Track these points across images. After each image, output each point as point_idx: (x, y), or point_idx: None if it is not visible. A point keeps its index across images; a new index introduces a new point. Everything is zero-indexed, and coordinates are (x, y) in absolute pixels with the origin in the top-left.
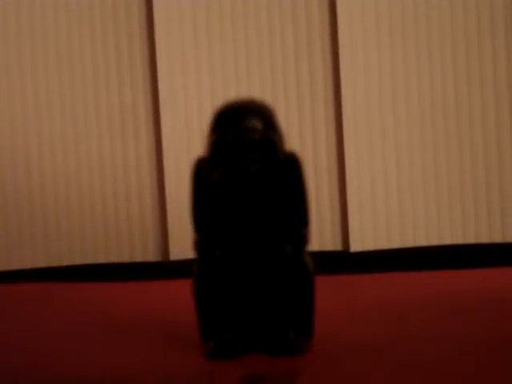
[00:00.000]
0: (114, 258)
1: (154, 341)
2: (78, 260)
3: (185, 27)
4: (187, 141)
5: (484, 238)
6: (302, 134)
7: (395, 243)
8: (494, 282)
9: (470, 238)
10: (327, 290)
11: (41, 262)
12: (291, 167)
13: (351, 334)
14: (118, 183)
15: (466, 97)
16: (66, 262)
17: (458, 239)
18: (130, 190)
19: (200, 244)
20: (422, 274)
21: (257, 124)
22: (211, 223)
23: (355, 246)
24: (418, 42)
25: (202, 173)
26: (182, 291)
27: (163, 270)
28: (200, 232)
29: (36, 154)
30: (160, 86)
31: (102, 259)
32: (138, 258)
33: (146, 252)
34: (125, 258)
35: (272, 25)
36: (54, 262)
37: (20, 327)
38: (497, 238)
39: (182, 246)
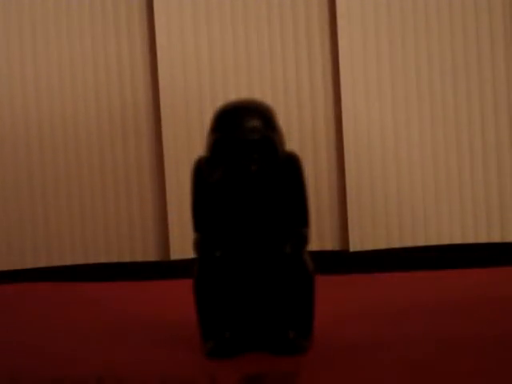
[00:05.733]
0: (115, 257)
1: (154, 341)
2: (79, 260)
3: (185, 26)
4: (187, 141)
5: (483, 238)
6: (301, 134)
7: (394, 243)
8: (494, 281)
9: (469, 238)
10: (327, 289)
11: (41, 262)
12: (291, 167)
13: (351, 334)
14: (119, 183)
15: (464, 97)
16: (66, 262)
17: (457, 239)
18: (130, 189)
19: (200, 244)
20: (422, 273)
21: (257, 124)
22: (211, 223)
23: (354, 246)
24: (417, 42)
25: (202, 173)
26: (182, 291)
27: (163, 269)
28: (200, 232)
29: (37, 152)
30: (161, 86)
31: (102, 259)
32: (139, 257)
33: (147, 252)
34: (125, 257)
35: (272, 25)
36: (55, 262)
37: (20, 327)
38: (496, 238)
39: (182, 245)
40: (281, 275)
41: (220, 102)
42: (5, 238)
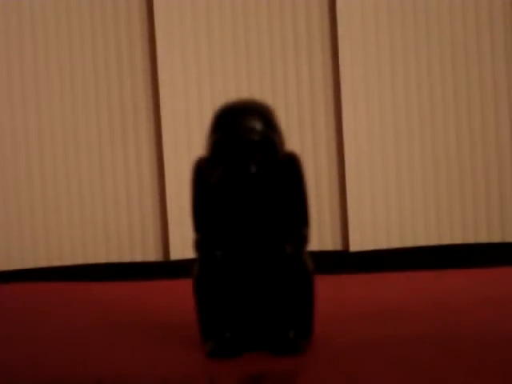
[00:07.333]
0: (115, 257)
1: (154, 341)
2: (79, 260)
3: (185, 28)
4: (187, 141)
5: (483, 238)
6: (301, 133)
7: (394, 243)
8: (494, 281)
9: (470, 238)
10: (327, 289)
11: (41, 262)
12: (291, 167)
13: (351, 334)
14: (119, 183)
15: (464, 96)
16: (66, 262)
17: (457, 239)
18: (130, 189)
19: (200, 244)
20: (422, 273)
21: (257, 124)
22: (211, 223)
23: (354, 246)
24: (417, 42)
25: (203, 173)
26: (182, 291)
27: (163, 269)
28: (200, 232)
29: (37, 152)
30: (160, 87)
31: (102, 259)
32: (138, 257)
33: (146, 252)
34: (125, 257)
35: (272, 25)
36: (55, 262)
37: (20, 327)
38: (496, 238)
39: (182, 245)
40: (281, 275)
41: (220, 102)
42: (5, 238)
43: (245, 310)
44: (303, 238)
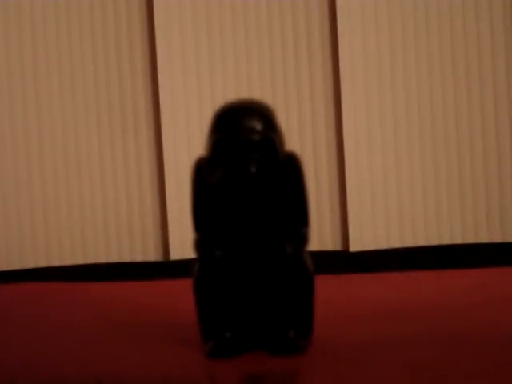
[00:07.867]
0: (115, 257)
1: (154, 341)
2: (79, 260)
3: (185, 28)
4: (187, 141)
5: (483, 238)
6: (301, 133)
7: (394, 243)
8: (494, 281)
9: (470, 238)
10: (327, 289)
11: (41, 262)
12: (291, 167)
13: (351, 334)
14: (119, 183)
15: (464, 96)
16: (66, 262)
17: (458, 239)
18: (130, 189)
19: (200, 244)
20: (422, 273)
21: (257, 124)
22: (211, 223)
23: (354, 246)
24: (417, 42)
25: (202, 173)
26: (182, 291)
27: (163, 269)
28: (200, 232)
29: (37, 152)
30: (160, 87)
31: (102, 259)
32: (138, 257)
33: (146, 252)
34: (125, 257)
35: (272, 25)
36: (55, 262)
37: (20, 327)
38: (496, 238)
39: (182, 245)
40: (281, 275)
41: (220, 103)
42: (4, 238)
43: (245, 310)
44: (303, 238)
